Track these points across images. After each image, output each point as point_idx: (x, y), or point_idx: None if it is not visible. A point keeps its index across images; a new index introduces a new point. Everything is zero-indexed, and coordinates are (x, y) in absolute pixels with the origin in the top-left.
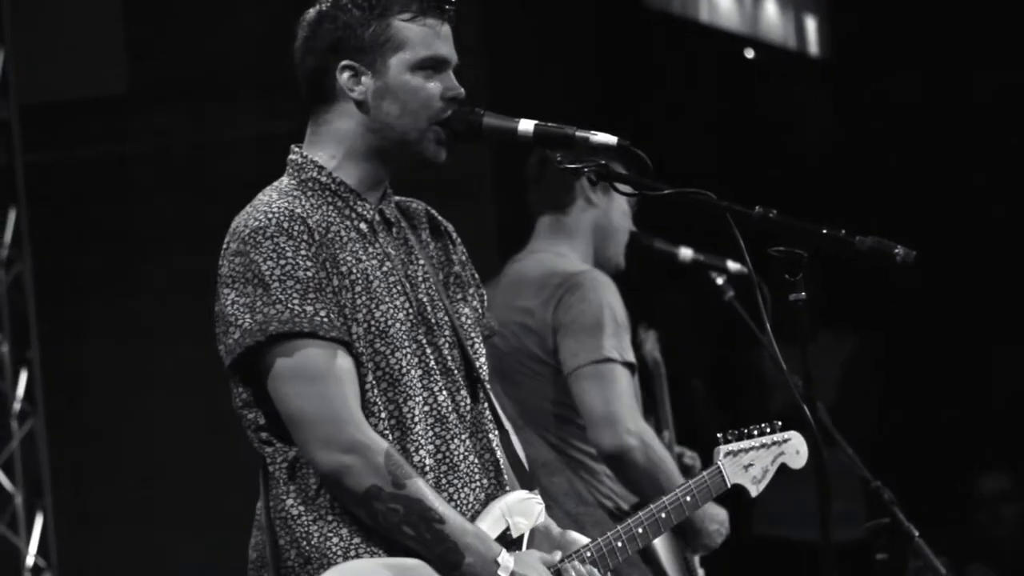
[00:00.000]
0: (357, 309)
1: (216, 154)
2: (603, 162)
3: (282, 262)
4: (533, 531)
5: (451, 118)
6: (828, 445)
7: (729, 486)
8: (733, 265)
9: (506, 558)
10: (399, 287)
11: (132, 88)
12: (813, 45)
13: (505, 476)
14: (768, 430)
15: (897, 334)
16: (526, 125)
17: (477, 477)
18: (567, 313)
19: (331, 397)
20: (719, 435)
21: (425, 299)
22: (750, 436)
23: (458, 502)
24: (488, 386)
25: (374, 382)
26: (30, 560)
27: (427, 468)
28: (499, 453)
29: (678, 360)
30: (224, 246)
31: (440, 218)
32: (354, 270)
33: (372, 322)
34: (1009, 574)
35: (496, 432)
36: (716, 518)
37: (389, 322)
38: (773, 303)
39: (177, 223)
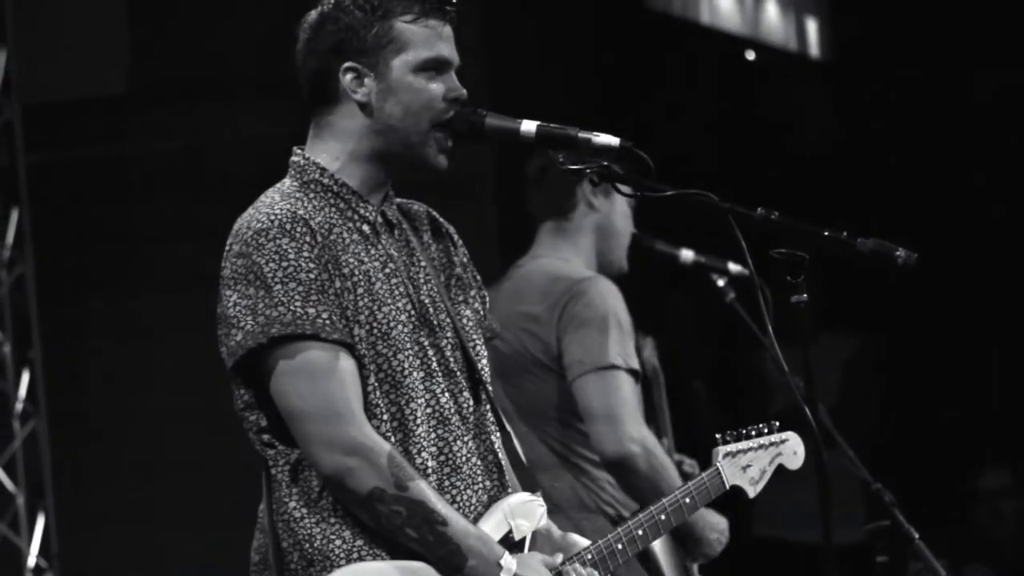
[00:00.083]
0: (359, 311)
1: (217, 154)
2: (605, 163)
3: (284, 264)
4: (535, 533)
5: (453, 119)
6: (829, 447)
7: (728, 487)
8: (734, 267)
9: (508, 560)
10: (401, 289)
11: (133, 88)
12: (814, 47)
13: (507, 478)
14: (766, 431)
15: (898, 335)
16: (528, 126)
17: (480, 479)
18: (572, 319)
19: (333, 398)
20: (717, 436)
21: (427, 301)
22: (748, 437)
23: (461, 504)
24: (490, 388)
25: (376, 384)
26: (32, 560)
27: (430, 470)
28: (501, 455)
29: (679, 362)
30: (226, 248)
31: (441, 220)
32: (356, 272)
33: (374, 324)
34: (1009, 571)
35: (498, 434)
36: (716, 527)
37: (391, 324)
38: (774, 305)
39: (178, 223)
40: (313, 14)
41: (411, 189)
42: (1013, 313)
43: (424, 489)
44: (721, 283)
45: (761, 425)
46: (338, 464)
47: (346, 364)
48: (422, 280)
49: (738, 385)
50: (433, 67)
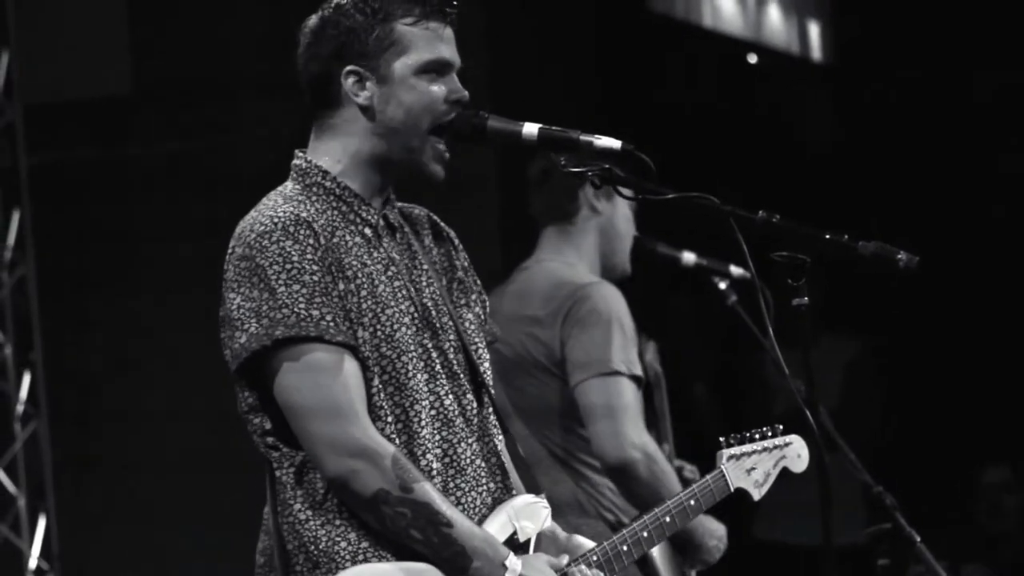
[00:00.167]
0: (363, 313)
1: (218, 155)
2: (607, 166)
3: (288, 266)
4: (540, 535)
5: (455, 121)
6: (830, 450)
7: (732, 490)
8: (736, 270)
9: (514, 561)
10: (404, 291)
11: (134, 89)
12: (816, 50)
13: (511, 480)
14: (770, 434)
15: (899, 338)
16: (530, 129)
17: (484, 480)
18: (576, 324)
19: (337, 397)
20: (721, 439)
21: (429, 303)
22: (752, 440)
23: (465, 505)
24: (492, 390)
25: (380, 386)
26: (33, 562)
27: (434, 471)
28: (505, 456)
29: (681, 365)
30: (229, 251)
31: (442, 224)
32: (359, 274)
33: (378, 326)
34: (1010, 567)
35: (501, 436)
36: (715, 533)
37: (395, 326)
38: (775, 307)
39: (180, 224)
40: (313, 18)
41: (413, 189)
42: (1012, 312)
43: (429, 491)
44: (723, 286)
45: (765, 428)
46: (342, 466)
47: (350, 366)
48: (424, 283)
49: (739, 388)
50: (434, 69)
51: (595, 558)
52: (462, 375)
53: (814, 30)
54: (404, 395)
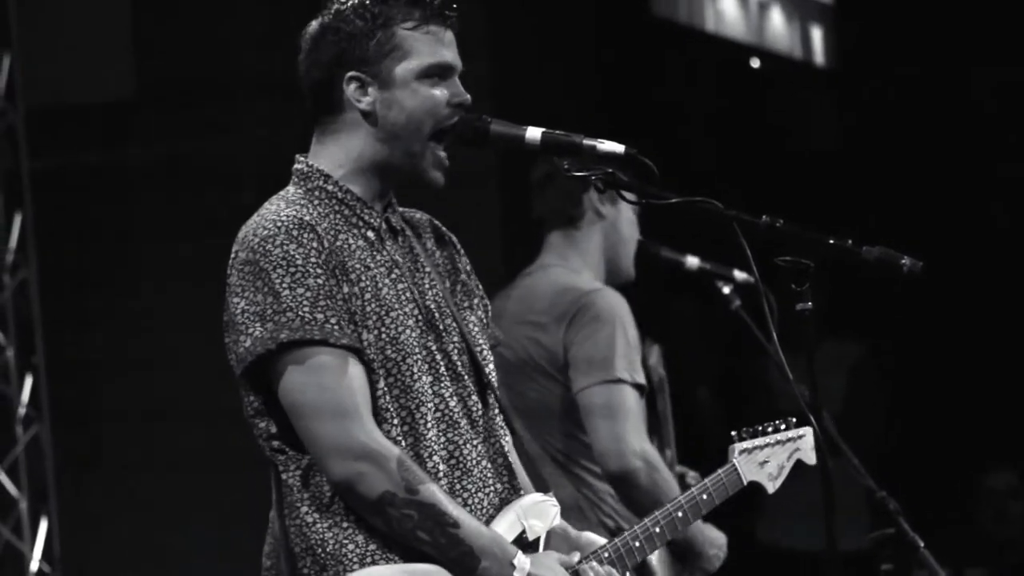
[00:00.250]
0: (367, 316)
1: (221, 158)
2: (610, 170)
3: (292, 270)
4: (550, 533)
5: (457, 125)
6: (833, 454)
7: (746, 483)
8: (740, 274)
9: (522, 560)
10: (408, 294)
11: (137, 93)
12: (819, 54)
13: (518, 480)
14: (783, 427)
15: (903, 342)
16: (533, 133)
17: (491, 481)
18: (580, 331)
19: (341, 398)
20: (733, 433)
21: (432, 306)
22: (764, 433)
23: (472, 507)
24: (497, 391)
25: (386, 388)
26: (35, 565)
27: (441, 473)
28: (511, 457)
29: (684, 369)
30: (232, 255)
31: (444, 228)
32: (363, 278)
33: (383, 329)
34: (1012, 573)
35: (508, 437)
36: (715, 542)
37: (399, 329)
38: (779, 312)
39: (182, 227)
40: (314, 24)
41: (414, 189)
42: (1016, 316)
43: (435, 492)
44: (726, 290)
45: (778, 421)
46: (347, 470)
47: (355, 368)
48: (427, 285)
49: (743, 392)
50: (436, 73)
51: (606, 555)
52: (466, 376)
53: (816, 34)
54: (409, 397)
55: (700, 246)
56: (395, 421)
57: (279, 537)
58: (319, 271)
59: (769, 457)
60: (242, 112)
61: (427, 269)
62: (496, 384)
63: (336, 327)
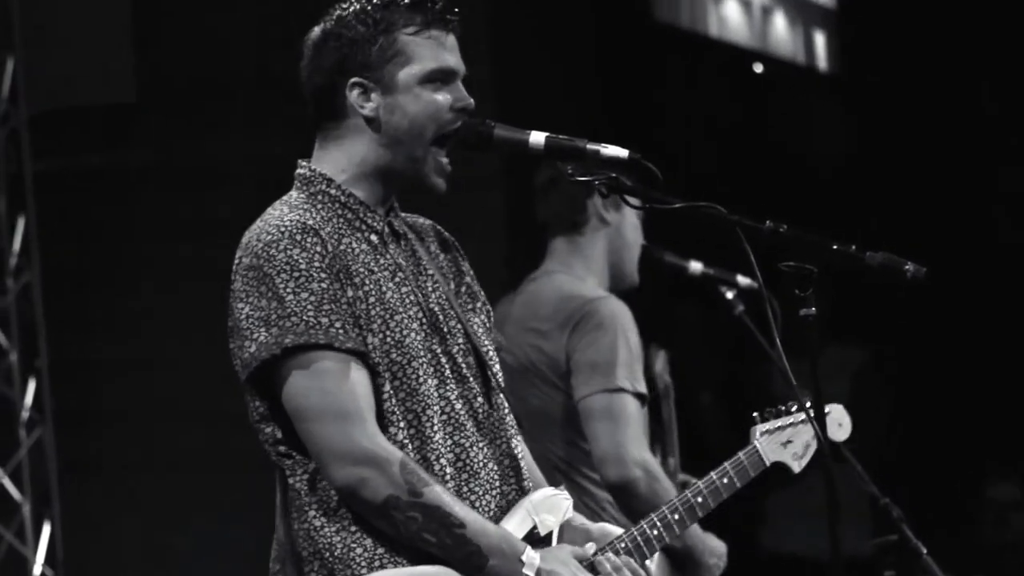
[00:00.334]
0: (372, 320)
1: (224, 162)
2: (614, 175)
3: (296, 274)
4: (565, 526)
5: (461, 129)
6: (837, 461)
7: (768, 464)
8: (743, 279)
9: (531, 555)
10: (412, 297)
11: (139, 96)
12: (822, 59)
13: (526, 480)
14: (808, 405)
15: (906, 347)
16: (537, 137)
17: (497, 483)
18: (582, 339)
19: (346, 413)
20: (755, 414)
21: (436, 308)
22: (788, 413)
23: (480, 508)
24: (504, 391)
25: (392, 391)
26: (37, 569)
27: (448, 476)
28: (521, 457)
29: (687, 374)
30: (236, 261)
31: (446, 233)
32: (367, 281)
33: (387, 332)
34: None
35: (518, 437)
36: (715, 551)
37: (404, 332)
38: (783, 317)
39: (185, 231)
40: (316, 30)
41: (418, 193)
42: (1020, 323)
43: (439, 493)
44: (730, 295)
45: (803, 399)
46: (350, 475)
47: (359, 373)
48: (431, 288)
49: (746, 398)
50: (439, 78)
51: (623, 545)
52: (472, 378)
53: (819, 39)
54: (415, 400)
55: (703, 251)
56: (401, 424)
57: (285, 542)
58: (323, 275)
59: (793, 437)
60: (243, 115)
61: (430, 272)
62: (503, 384)
63: (341, 331)
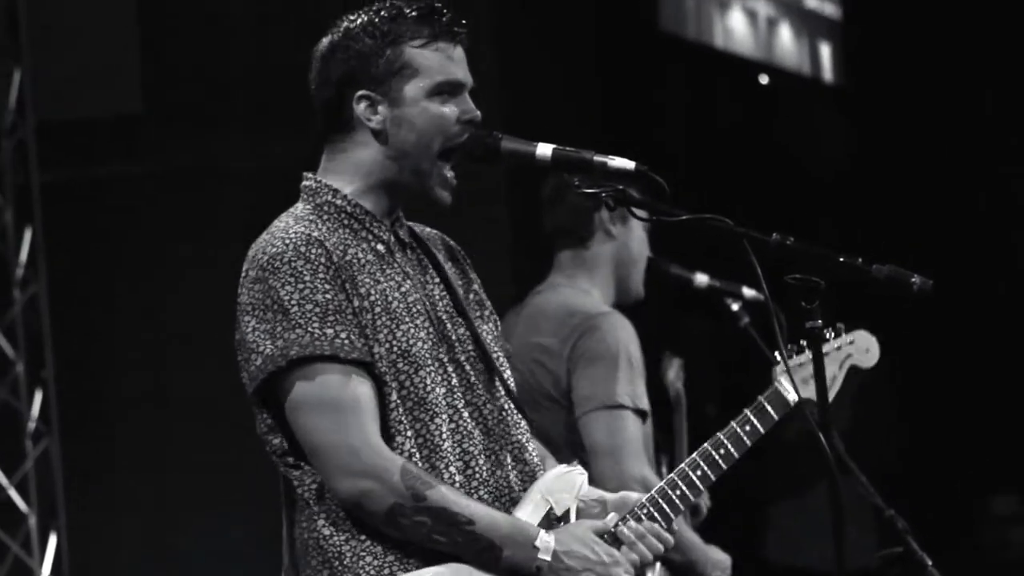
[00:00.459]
0: (378, 330)
1: (229, 174)
2: (620, 187)
3: (300, 286)
4: (584, 501)
5: (468, 141)
6: (842, 473)
7: (793, 403)
8: (749, 291)
9: (545, 539)
10: (419, 307)
11: (146, 108)
12: (827, 71)
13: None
14: (830, 337)
15: (912, 360)
16: (544, 149)
17: (505, 491)
18: (583, 355)
19: (347, 425)
20: (776, 353)
21: (444, 316)
22: (806, 349)
23: None
24: (516, 397)
25: (399, 401)
26: None
27: (457, 484)
28: (533, 462)
29: (692, 386)
30: (242, 274)
31: (453, 242)
32: (373, 292)
33: (394, 342)
34: None
35: (533, 443)
36: (719, 565)
37: (411, 342)
38: (789, 329)
39: (192, 242)
40: (324, 42)
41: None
42: None
43: (444, 494)
44: (735, 307)
45: (826, 331)
46: (353, 488)
47: (362, 384)
48: (438, 296)
49: None
50: (446, 90)
51: (645, 511)
52: (480, 386)
53: (825, 51)
54: (423, 409)
55: (708, 263)
56: (408, 433)
57: (295, 552)
58: (327, 286)
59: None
60: (250, 126)
61: (437, 280)
62: (514, 389)
63: (346, 341)
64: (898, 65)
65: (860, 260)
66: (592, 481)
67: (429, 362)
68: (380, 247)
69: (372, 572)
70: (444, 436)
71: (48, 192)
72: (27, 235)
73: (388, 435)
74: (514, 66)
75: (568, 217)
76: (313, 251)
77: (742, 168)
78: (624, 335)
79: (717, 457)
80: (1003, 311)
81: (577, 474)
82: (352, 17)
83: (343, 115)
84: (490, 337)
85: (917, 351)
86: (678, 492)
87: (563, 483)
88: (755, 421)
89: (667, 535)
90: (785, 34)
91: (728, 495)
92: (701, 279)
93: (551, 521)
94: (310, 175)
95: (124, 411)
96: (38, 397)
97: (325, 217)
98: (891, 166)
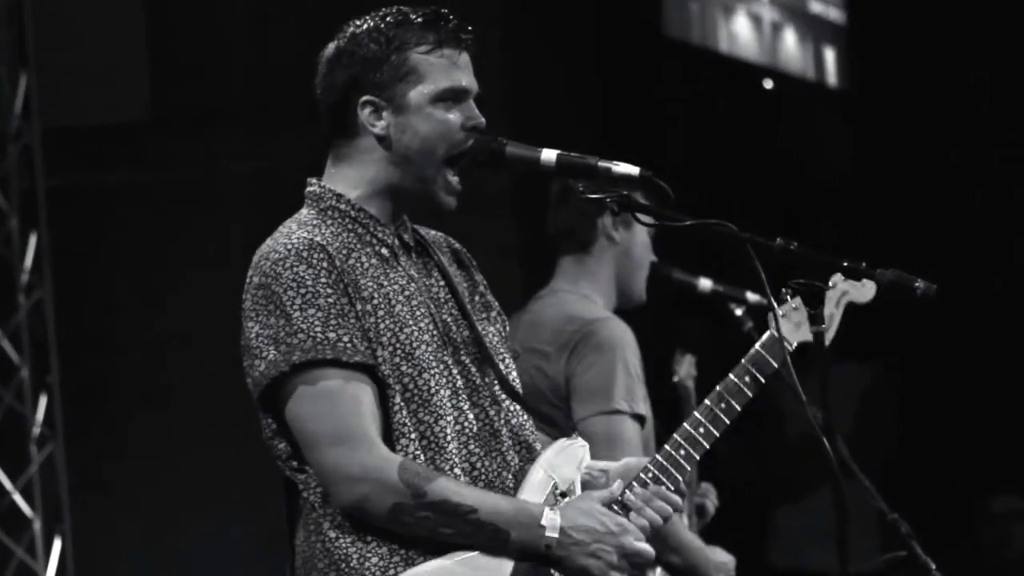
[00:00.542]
0: (381, 333)
1: (236, 180)
2: (625, 192)
3: (302, 291)
4: (589, 472)
5: (472, 147)
6: (846, 477)
7: (793, 347)
8: (752, 296)
9: (550, 516)
10: (423, 309)
11: (153, 114)
12: (832, 76)
13: None
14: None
15: (915, 363)
16: (548, 155)
17: (512, 491)
18: (580, 362)
19: (346, 428)
20: (771, 300)
21: (449, 319)
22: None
23: None
24: (522, 399)
25: (403, 404)
26: None
27: None
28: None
29: (696, 390)
30: (247, 280)
31: (458, 244)
32: (376, 295)
33: (397, 345)
34: None
35: (538, 444)
36: (723, 567)
37: (415, 344)
38: None
39: (197, 248)
40: (330, 47)
41: (430, 214)
42: None
43: (444, 486)
44: (739, 312)
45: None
46: (351, 495)
47: (364, 388)
48: (443, 298)
49: (755, 414)
50: (450, 97)
51: (650, 474)
52: (484, 388)
53: (829, 55)
54: (428, 412)
55: (712, 267)
56: (413, 436)
57: (303, 556)
58: (329, 291)
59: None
60: (256, 134)
61: (442, 283)
62: (520, 390)
63: (349, 344)
64: (902, 70)
65: (864, 264)
66: None
67: (433, 364)
68: (384, 251)
69: (378, 574)
70: (449, 438)
71: (54, 198)
72: (32, 240)
73: (392, 438)
74: (514, 66)
75: (571, 221)
76: (315, 256)
77: (746, 172)
78: (622, 341)
79: (718, 413)
80: (1002, 312)
81: (578, 446)
82: (358, 22)
83: (348, 120)
84: (496, 339)
85: (921, 355)
86: (682, 452)
87: (565, 457)
88: (754, 371)
89: (675, 496)
90: (789, 39)
91: (731, 498)
92: (705, 284)
93: (556, 497)
94: (314, 180)
95: (129, 416)
96: (43, 402)
97: (329, 222)
98: (894, 171)
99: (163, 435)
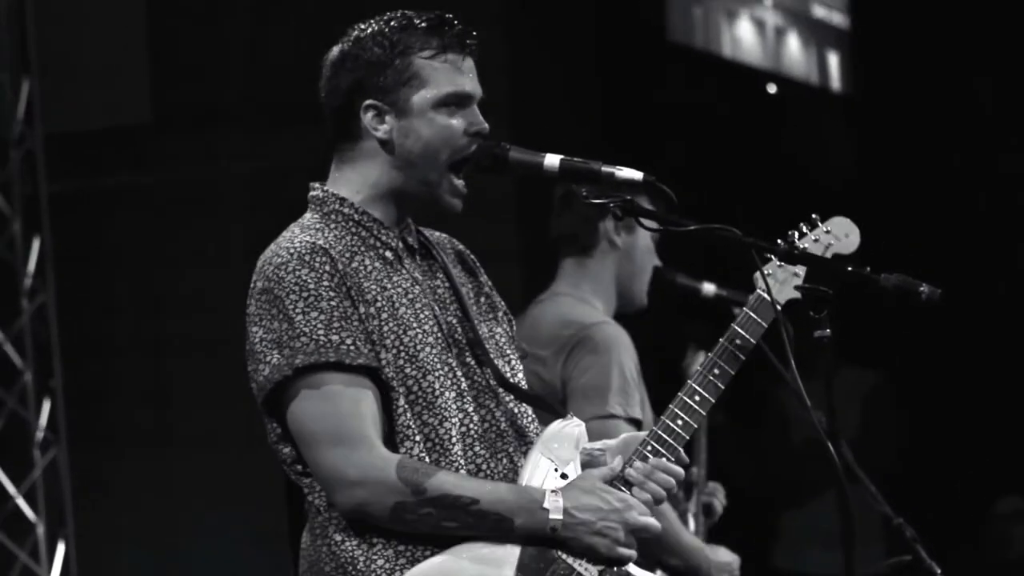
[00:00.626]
0: (385, 335)
1: (238, 183)
2: (628, 197)
3: (305, 294)
4: (588, 452)
5: (476, 152)
6: (850, 481)
7: (780, 306)
8: None
9: (552, 499)
10: (427, 312)
11: (155, 118)
12: (835, 80)
13: None
14: (806, 229)
15: (919, 368)
16: (552, 160)
17: None
18: (576, 365)
19: (346, 432)
20: (759, 264)
21: (454, 320)
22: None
23: None
24: (530, 394)
25: (407, 406)
26: None
27: None
28: None
29: None
30: (251, 285)
31: (462, 246)
32: (380, 298)
33: (401, 348)
34: None
35: None
36: (727, 567)
37: (419, 346)
38: (796, 339)
39: (200, 251)
40: (334, 51)
41: (433, 217)
42: None
43: (443, 480)
44: None
45: (801, 225)
46: (351, 498)
47: (366, 391)
48: (447, 301)
49: (760, 419)
50: (454, 102)
51: (650, 448)
52: (490, 390)
53: (833, 60)
54: (432, 413)
55: (716, 271)
56: (417, 438)
57: (310, 560)
58: (332, 294)
59: (798, 269)
60: (258, 137)
61: (447, 284)
62: (527, 391)
63: (352, 347)
64: (905, 74)
65: (868, 268)
66: None
67: (438, 366)
68: (388, 254)
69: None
70: (454, 440)
71: (57, 202)
72: (35, 245)
73: (397, 440)
74: (514, 67)
75: (573, 225)
76: (317, 259)
77: (750, 177)
78: (618, 344)
79: (712, 379)
80: (1006, 316)
81: (573, 426)
82: (363, 26)
83: (351, 124)
84: (504, 339)
85: (926, 360)
86: (679, 422)
87: (561, 438)
88: (747, 330)
89: (676, 468)
90: (793, 43)
91: (735, 502)
92: (708, 289)
93: (557, 478)
94: (317, 185)
95: (132, 421)
96: (46, 406)
97: (332, 225)
98: (898, 175)
99: (168, 439)
